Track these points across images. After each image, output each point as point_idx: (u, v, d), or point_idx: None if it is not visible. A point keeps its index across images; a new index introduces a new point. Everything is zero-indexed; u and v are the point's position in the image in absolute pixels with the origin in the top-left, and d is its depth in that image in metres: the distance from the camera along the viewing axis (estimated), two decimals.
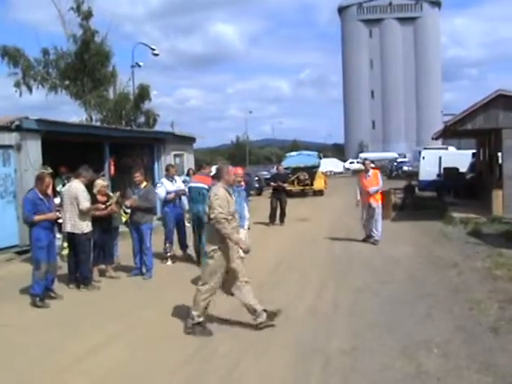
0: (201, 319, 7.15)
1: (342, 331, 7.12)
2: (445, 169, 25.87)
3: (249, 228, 9.93)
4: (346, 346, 6.49)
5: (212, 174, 11.89)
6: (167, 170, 12.96)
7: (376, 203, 14.12)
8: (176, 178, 12.84)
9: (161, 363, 6.16)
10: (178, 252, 12.67)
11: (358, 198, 14.42)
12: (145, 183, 11.18)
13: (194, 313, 7.15)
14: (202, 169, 12.65)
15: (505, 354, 5.99)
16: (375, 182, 14.17)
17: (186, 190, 12.41)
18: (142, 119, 30.32)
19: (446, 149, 34.64)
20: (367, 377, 5.55)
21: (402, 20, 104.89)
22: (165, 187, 12.30)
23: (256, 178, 35.29)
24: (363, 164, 15.09)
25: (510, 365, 5.68)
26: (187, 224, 12.82)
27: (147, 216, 11.03)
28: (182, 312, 7.86)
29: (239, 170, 10.09)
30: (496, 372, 5.51)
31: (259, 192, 33.63)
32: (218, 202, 6.98)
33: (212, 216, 6.97)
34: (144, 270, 10.92)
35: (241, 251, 7.32)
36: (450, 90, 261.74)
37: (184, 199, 12.64)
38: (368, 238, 14.19)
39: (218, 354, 6.41)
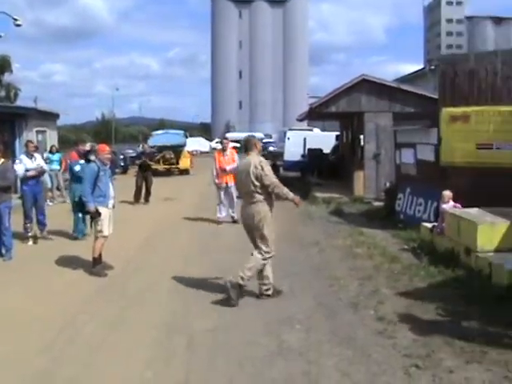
0: (247, 283, 7.34)
1: (206, 310, 7.12)
2: (309, 150, 26.64)
3: (113, 207, 9.66)
4: (210, 324, 6.52)
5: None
6: (26, 146, 12.34)
7: (232, 183, 14.26)
8: (36, 155, 12.23)
9: (19, 351, 5.84)
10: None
11: (216, 180, 14.29)
12: (2, 160, 10.50)
13: (247, 274, 7.29)
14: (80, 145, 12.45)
15: (363, 328, 6.27)
16: (232, 161, 14.27)
17: (46, 167, 11.91)
18: (1, 93, 28.54)
19: (311, 130, 35.66)
20: (231, 354, 5.60)
21: (271, 2, 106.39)
22: (24, 164, 11.67)
23: (121, 157, 34.60)
24: (221, 143, 15.08)
25: (368, 338, 5.96)
26: (49, 203, 12.32)
27: (5, 195, 10.39)
28: (45, 293, 7.54)
29: (107, 148, 9.80)
30: (355, 345, 5.75)
31: (125, 170, 32.98)
32: (269, 168, 7.37)
33: (269, 182, 7.27)
34: (4, 251, 10.32)
35: None
36: (316, 74, 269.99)
37: (46, 176, 12.13)
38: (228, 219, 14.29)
39: (82, 335, 6.23)
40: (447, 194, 10.57)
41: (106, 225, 9.14)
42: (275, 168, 24.54)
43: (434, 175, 12.28)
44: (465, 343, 5.67)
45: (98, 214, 9.01)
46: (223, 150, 14.47)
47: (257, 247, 7.49)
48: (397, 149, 15.16)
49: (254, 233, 7.51)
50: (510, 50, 12.90)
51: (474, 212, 9.51)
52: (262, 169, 7.28)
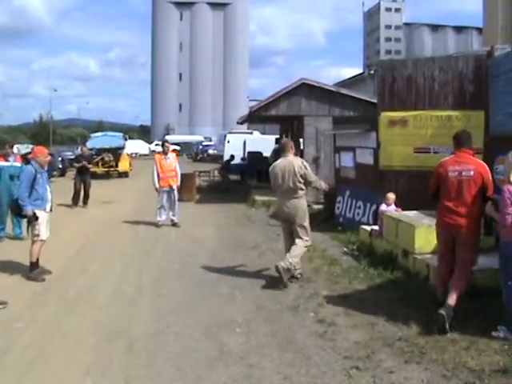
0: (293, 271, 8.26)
1: (146, 314, 6.99)
2: (249, 153, 26.61)
3: (51, 210, 9.31)
4: (151, 328, 6.38)
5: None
6: None
7: (176, 186, 14.12)
8: None
9: None
10: None
11: (157, 184, 14.02)
12: None
13: (294, 261, 8.20)
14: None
15: (303, 330, 6.24)
16: (174, 164, 14.19)
17: None
18: None
19: (251, 133, 35.70)
20: (171, 359, 5.46)
21: (213, 5, 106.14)
22: None
23: (60, 159, 33.76)
24: (162, 146, 14.86)
25: (308, 340, 5.92)
26: None
27: None
28: None
29: (45, 150, 9.48)
30: (296, 348, 5.71)
31: (63, 173, 32.15)
32: (309, 167, 8.62)
33: (313, 179, 8.62)
34: None
35: None
36: (257, 77, 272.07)
37: None
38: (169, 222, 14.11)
39: (18, 345, 5.94)
40: (391, 196, 10.68)
41: (43, 229, 8.81)
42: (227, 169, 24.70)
43: (372, 179, 12.42)
44: (404, 344, 5.70)
45: (35, 217, 8.66)
46: (164, 153, 14.25)
47: (297, 237, 8.47)
48: (336, 152, 15.26)
49: (295, 224, 8.49)
50: (447, 57, 13.16)
51: (411, 215, 9.63)
52: (306, 168, 8.44)
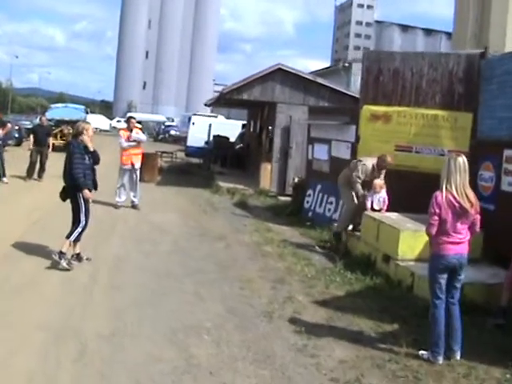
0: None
1: (100, 309, 6.15)
2: (215, 136, 25.68)
3: (1, 181, 8.32)
4: (105, 328, 5.53)
5: None
6: None
7: (139, 165, 13.25)
8: None
9: None
10: None
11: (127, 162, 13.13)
12: None
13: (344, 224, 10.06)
14: None
15: (280, 342, 5.48)
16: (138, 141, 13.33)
17: None
18: None
19: (216, 117, 34.78)
20: (130, 371, 4.64)
21: None
22: None
23: (16, 128, 32.16)
24: (127, 122, 13.92)
25: (287, 355, 5.17)
26: None
27: None
28: None
29: None
30: (273, 364, 4.97)
31: (18, 143, 30.62)
32: None
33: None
34: None
35: None
36: (223, 61, 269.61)
37: None
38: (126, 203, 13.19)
39: None
40: (379, 182, 9.79)
41: None
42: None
43: None
44: (395, 366, 5.04)
45: None
46: (129, 129, 13.32)
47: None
48: (309, 143, 14.57)
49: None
50: (438, 54, 12.55)
51: (393, 217, 9.01)
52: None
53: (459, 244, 5.26)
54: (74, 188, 7.87)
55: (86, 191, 7.86)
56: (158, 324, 5.77)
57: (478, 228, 5.41)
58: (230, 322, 5.97)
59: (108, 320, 5.80)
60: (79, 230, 7.82)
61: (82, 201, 7.87)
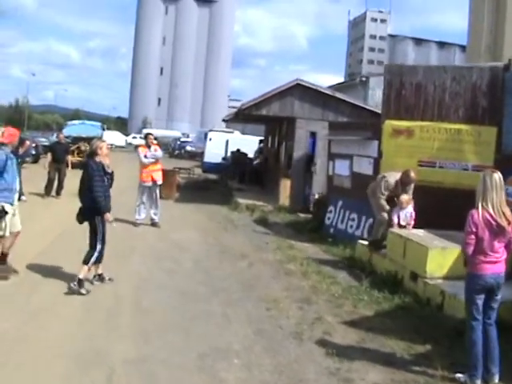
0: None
1: (127, 333, 6.01)
2: (233, 152, 25.61)
3: (19, 199, 8.22)
4: (133, 353, 5.40)
5: None
6: None
7: (161, 181, 13.18)
8: None
9: None
10: None
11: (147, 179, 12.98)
12: None
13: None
14: None
15: (312, 366, 5.33)
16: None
17: None
18: None
19: (232, 132, 34.78)
20: None
21: (199, 1, 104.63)
22: None
23: (33, 145, 32.33)
24: (145, 138, 13.87)
25: (321, 380, 5.02)
26: None
27: None
28: None
29: (17, 133, 8.44)
30: None
31: (36, 160, 30.77)
32: None
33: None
34: None
35: None
36: (237, 77, 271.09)
37: None
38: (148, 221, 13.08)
39: None
40: (405, 198, 9.62)
41: (7, 223, 7.69)
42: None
43: None
44: None
45: (4, 212, 7.56)
46: (148, 145, 13.24)
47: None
48: (330, 159, 14.44)
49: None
50: (460, 67, 12.39)
51: (421, 234, 8.84)
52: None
53: (496, 263, 5.10)
54: (93, 210, 7.75)
55: (108, 215, 7.74)
56: (187, 348, 5.63)
57: None
58: (258, 345, 5.83)
59: (136, 345, 5.64)
60: (96, 254, 7.69)
61: (101, 224, 7.75)
